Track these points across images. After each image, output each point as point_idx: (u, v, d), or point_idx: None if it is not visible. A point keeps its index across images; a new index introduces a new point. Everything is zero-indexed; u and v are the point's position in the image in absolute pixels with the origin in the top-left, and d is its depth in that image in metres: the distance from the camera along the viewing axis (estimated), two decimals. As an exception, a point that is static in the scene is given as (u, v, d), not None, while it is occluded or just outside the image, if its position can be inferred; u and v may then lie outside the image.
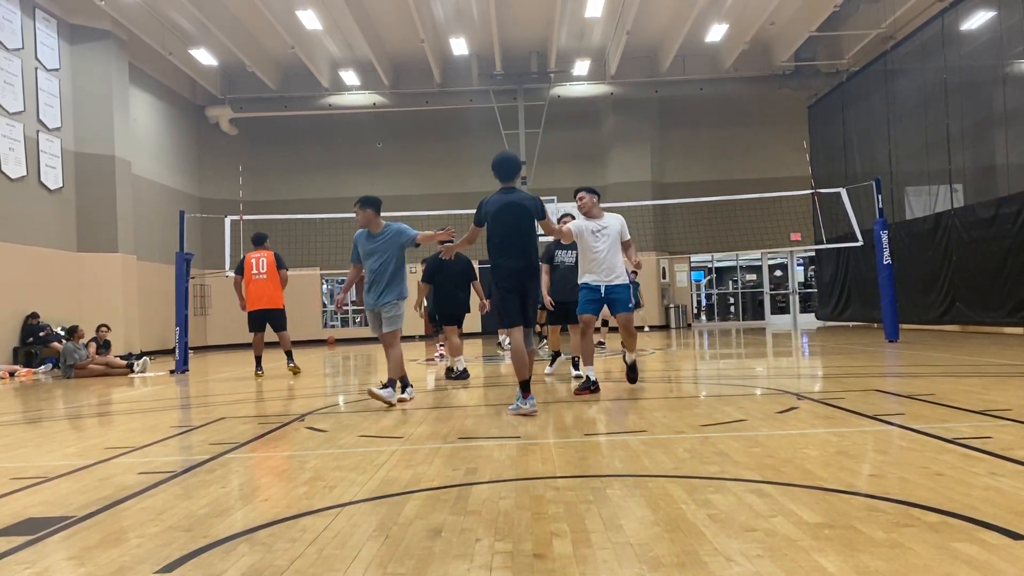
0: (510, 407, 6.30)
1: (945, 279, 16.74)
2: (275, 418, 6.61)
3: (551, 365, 9.60)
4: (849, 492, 3.35)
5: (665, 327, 25.93)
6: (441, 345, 13.07)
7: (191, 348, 14.96)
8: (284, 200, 25.83)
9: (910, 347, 12.49)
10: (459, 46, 22.90)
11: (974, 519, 2.86)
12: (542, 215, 6.45)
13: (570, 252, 8.53)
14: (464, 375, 9.56)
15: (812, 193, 17.22)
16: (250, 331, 11.98)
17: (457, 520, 3.15)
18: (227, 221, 15.09)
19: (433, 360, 13.68)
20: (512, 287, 6.31)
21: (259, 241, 12.08)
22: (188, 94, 24.75)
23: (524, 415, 6.08)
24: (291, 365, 11.81)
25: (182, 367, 13.48)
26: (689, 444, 4.61)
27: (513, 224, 6.32)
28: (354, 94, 24.75)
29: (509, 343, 6.47)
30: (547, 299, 8.44)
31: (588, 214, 7.43)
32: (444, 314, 9.84)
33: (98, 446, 5.52)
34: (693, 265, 27.91)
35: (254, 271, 11.77)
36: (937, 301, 17.04)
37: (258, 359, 11.89)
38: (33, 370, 15.18)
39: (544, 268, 8.25)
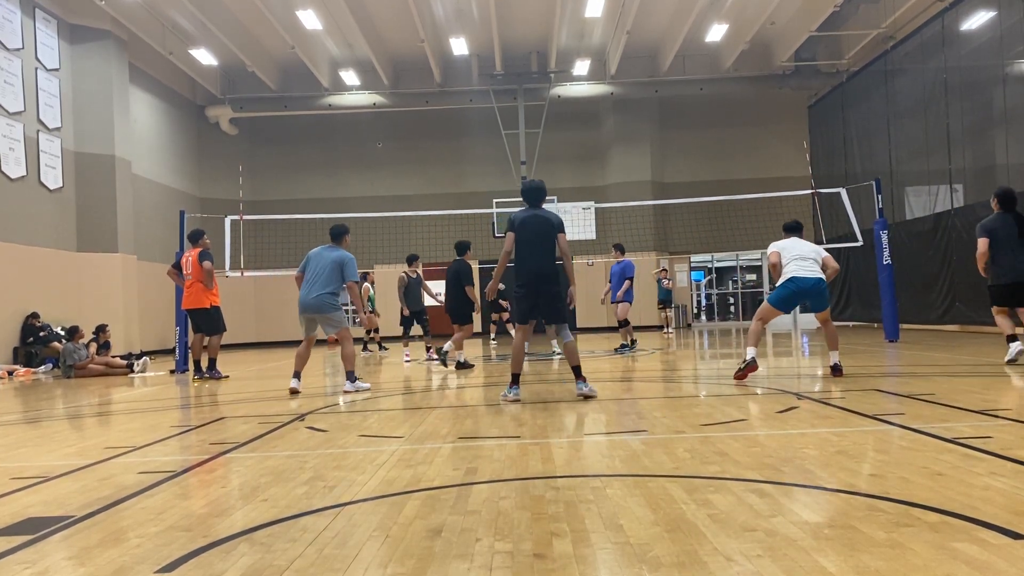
0: (501, 394, 7.22)
1: (945, 279, 16.73)
2: (275, 418, 6.61)
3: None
4: (849, 492, 3.35)
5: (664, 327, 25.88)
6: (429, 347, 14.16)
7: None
8: (284, 200, 25.81)
9: (910, 347, 12.49)
10: (459, 46, 22.89)
11: (974, 519, 2.86)
12: (561, 230, 7.14)
13: None
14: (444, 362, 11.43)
15: (812, 193, 17.22)
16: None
17: (457, 520, 3.15)
18: (227, 221, 15.09)
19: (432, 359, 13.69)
20: (526, 289, 7.05)
21: (192, 239, 11.66)
22: (188, 94, 24.74)
23: (511, 401, 6.93)
24: (195, 376, 11.46)
25: (182, 367, 13.48)
26: (689, 444, 4.61)
27: (535, 234, 7.04)
28: (354, 94, 24.74)
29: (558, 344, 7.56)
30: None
31: None
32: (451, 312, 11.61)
33: (98, 446, 5.52)
34: (693, 265, 27.92)
35: (186, 272, 11.55)
36: (937, 301, 17.03)
37: (196, 363, 11.71)
38: (33, 370, 15.18)
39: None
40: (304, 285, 8.58)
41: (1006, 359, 8.66)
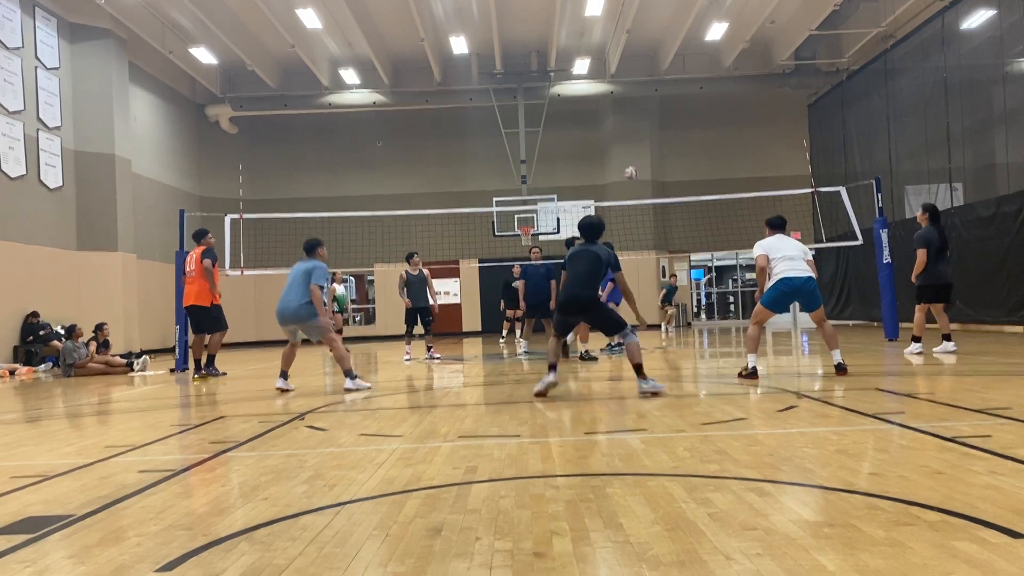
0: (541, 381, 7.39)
1: (944, 278, 16.72)
2: (275, 417, 6.61)
3: None
4: (849, 491, 3.35)
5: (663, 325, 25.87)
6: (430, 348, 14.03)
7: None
8: (284, 199, 25.81)
9: (910, 346, 12.45)
10: (459, 45, 22.88)
11: (974, 518, 2.86)
12: (616, 268, 7.43)
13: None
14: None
15: (812, 192, 17.22)
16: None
17: (457, 519, 3.15)
18: (227, 220, 15.09)
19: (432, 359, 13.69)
20: (561, 311, 7.45)
21: (196, 238, 11.65)
22: (188, 93, 24.73)
23: (548, 384, 7.17)
24: (195, 374, 11.41)
25: (182, 366, 13.48)
26: (689, 443, 4.61)
27: (581, 267, 7.29)
28: (354, 93, 24.74)
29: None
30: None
31: None
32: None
33: (98, 445, 5.52)
34: (693, 264, 27.92)
35: (188, 269, 11.54)
36: (937, 300, 17.01)
37: (196, 362, 11.68)
38: (33, 369, 15.18)
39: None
40: (282, 297, 8.86)
41: (906, 352, 10.44)
